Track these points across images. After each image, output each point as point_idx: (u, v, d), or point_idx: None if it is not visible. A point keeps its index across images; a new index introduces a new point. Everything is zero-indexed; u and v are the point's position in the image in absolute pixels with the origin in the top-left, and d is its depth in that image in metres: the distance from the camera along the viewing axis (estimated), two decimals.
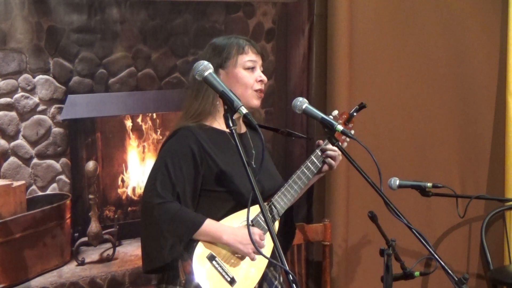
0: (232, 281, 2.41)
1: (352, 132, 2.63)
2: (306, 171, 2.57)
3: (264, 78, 2.55)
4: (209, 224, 2.41)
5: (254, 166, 2.49)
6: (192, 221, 2.40)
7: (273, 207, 2.50)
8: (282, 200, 2.53)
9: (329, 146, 2.58)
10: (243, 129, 2.62)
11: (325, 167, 2.64)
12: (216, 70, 2.48)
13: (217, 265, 2.41)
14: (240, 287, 2.42)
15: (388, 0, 3.98)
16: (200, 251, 2.41)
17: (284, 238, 2.69)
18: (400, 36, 4.03)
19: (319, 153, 2.60)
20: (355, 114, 2.68)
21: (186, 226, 2.39)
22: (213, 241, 2.41)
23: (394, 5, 4.00)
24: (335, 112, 2.64)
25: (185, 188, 2.44)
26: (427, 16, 4.10)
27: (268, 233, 2.44)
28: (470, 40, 4.21)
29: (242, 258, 2.45)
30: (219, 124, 2.52)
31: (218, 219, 2.45)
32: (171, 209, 2.40)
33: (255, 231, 2.41)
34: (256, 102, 2.54)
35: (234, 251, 2.43)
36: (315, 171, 2.60)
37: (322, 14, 3.83)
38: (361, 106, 2.67)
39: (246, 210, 2.43)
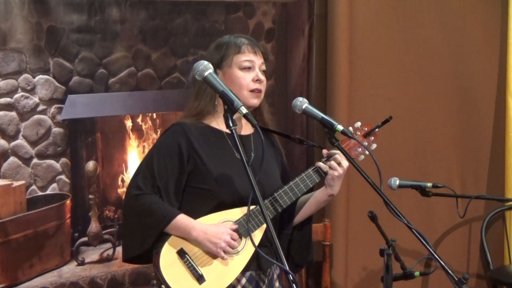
0: (200, 279, 2.37)
1: (374, 146, 2.61)
2: (300, 183, 2.50)
3: (262, 77, 2.50)
4: (181, 219, 2.39)
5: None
6: (164, 215, 2.39)
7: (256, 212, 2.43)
8: (270, 207, 2.46)
9: (331, 162, 2.50)
10: (247, 131, 2.58)
11: (329, 182, 2.52)
12: (214, 70, 2.49)
13: (186, 261, 2.39)
14: (209, 286, 2.38)
15: (388, 0, 3.98)
16: (170, 245, 2.40)
17: (297, 253, 2.65)
18: (400, 36, 4.03)
19: (311, 171, 2.52)
20: (377, 128, 2.61)
21: (157, 218, 2.39)
22: (183, 236, 2.40)
23: (394, 5, 4.00)
24: (358, 124, 2.61)
25: (167, 183, 2.43)
26: (427, 16, 4.10)
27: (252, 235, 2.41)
28: (470, 40, 4.21)
29: (215, 257, 2.41)
30: (218, 123, 2.51)
31: (200, 216, 2.42)
32: (147, 201, 2.41)
33: (228, 230, 2.38)
34: (252, 101, 2.49)
35: (206, 249, 2.40)
36: (311, 185, 2.52)
37: (322, 14, 3.82)
38: (386, 120, 2.59)
39: (228, 210, 2.42)
